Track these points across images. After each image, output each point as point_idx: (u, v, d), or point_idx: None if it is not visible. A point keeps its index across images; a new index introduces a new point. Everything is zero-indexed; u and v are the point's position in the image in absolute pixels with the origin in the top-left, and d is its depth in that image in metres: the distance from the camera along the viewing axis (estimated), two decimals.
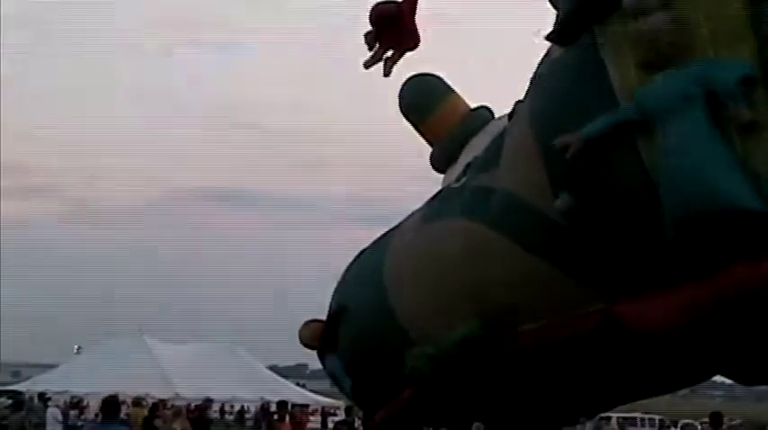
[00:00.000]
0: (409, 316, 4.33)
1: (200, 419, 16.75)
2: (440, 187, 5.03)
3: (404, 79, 5.46)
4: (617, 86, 3.36)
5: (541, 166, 3.60)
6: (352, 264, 5.16)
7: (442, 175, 5.24)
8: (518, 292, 3.82)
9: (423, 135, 5.49)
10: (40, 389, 27.32)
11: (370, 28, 5.15)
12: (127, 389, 24.50)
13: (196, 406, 21.01)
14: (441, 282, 4.14)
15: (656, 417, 30.33)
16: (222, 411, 30.06)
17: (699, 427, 28.72)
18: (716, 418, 9.84)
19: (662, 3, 3.24)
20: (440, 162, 5.28)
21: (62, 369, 36.18)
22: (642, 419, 29.30)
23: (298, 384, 42.01)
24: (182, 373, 31.61)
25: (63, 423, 20.37)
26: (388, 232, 4.98)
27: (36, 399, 21.68)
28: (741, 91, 3.06)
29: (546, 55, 4.02)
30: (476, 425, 4.80)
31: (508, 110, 4.61)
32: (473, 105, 5.41)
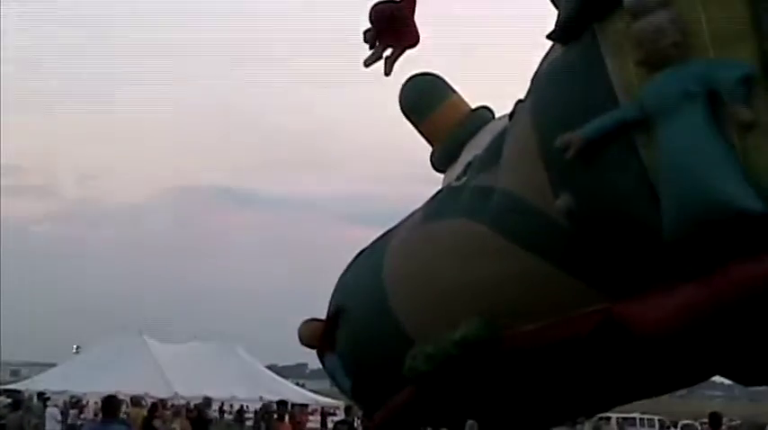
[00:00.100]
0: (408, 315, 4.33)
1: (200, 419, 16.72)
2: (440, 187, 5.02)
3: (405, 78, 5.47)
4: (617, 85, 3.36)
5: (542, 166, 3.60)
6: (351, 264, 5.16)
7: (442, 175, 5.25)
8: (518, 292, 3.82)
9: (423, 134, 5.48)
10: (40, 388, 27.27)
11: (369, 27, 5.17)
12: (126, 388, 24.46)
13: (195, 405, 20.99)
14: (440, 282, 4.14)
15: (656, 418, 30.27)
16: (221, 411, 30.01)
17: (698, 428, 28.71)
18: (715, 419, 9.82)
19: (663, 2, 3.23)
20: (440, 162, 5.28)
21: (61, 368, 36.10)
22: (641, 419, 29.24)
23: (297, 384, 41.95)
24: (181, 373, 31.55)
25: (62, 422, 20.36)
26: (387, 232, 4.98)
27: (35, 399, 21.64)
28: (742, 90, 3.04)
29: (547, 54, 4.01)
30: (469, 423, 4.79)
31: (508, 109, 4.60)
32: (474, 105, 5.41)
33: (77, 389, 29.66)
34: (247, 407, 30.87)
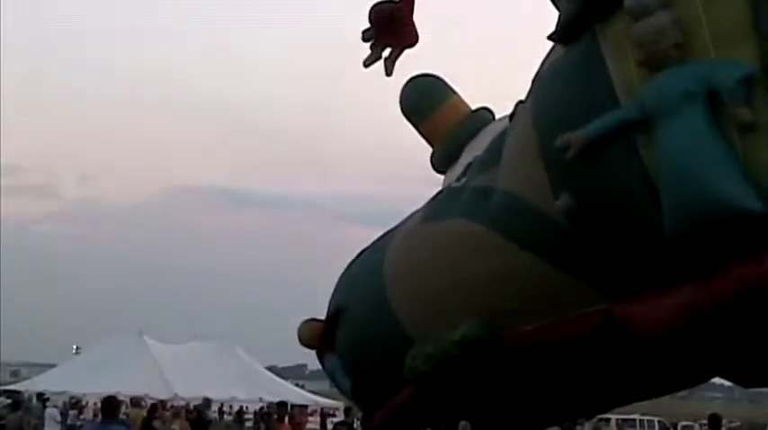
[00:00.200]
0: (408, 315, 4.33)
1: (199, 420, 16.72)
2: (440, 188, 5.03)
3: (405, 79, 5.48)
4: (618, 85, 3.36)
5: (542, 166, 3.60)
6: (351, 264, 5.16)
7: (443, 176, 5.25)
8: (517, 291, 3.82)
9: (423, 135, 5.49)
10: (39, 388, 27.28)
11: (368, 27, 5.18)
12: (126, 389, 24.47)
13: (195, 406, 20.99)
14: (440, 282, 4.14)
15: (655, 419, 30.27)
16: (221, 412, 30.01)
17: (698, 429, 28.70)
18: (715, 420, 9.82)
19: (663, 3, 3.23)
20: (440, 163, 5.29)
21: (61, 369, 36.09)
22: (641, 421, 29.22)
23: (297, 385, 41.95)
24: (181, 374, 31.55)
25: (61, 423, 20.36)
26: (388, 232, 4.98)
27: (35, 399, 21.65)
28: (742, 91, 3.05)
29: (548, 55, 4.02)
30: (462, 423, 4.79)
31: (509, 111, 4.61)
32: (474, 106, 5.42)
33: (77, 389, 29.66)
34: (247, 408, 30.86)
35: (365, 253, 5.09)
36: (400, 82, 5.47)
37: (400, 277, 4.47)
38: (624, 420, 27.48)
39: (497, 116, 5.19)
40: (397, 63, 5.18)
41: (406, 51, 5.18)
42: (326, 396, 36.57)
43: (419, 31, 5.19)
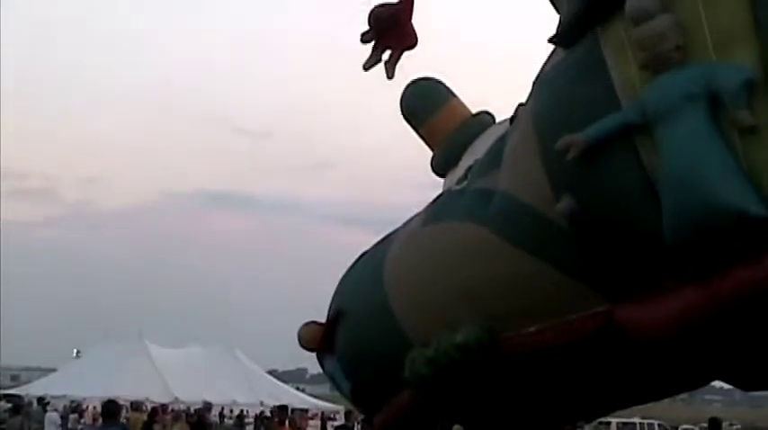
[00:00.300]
0: (409, 318, 4.32)
1: (200, 424, 16.71)
2: (440, 192, 5.02)
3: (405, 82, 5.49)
4: (619, 88, 3.37)
5: (543, 168, 3.60)
6: (352, 266, 5.15)
7: (443, 179, 5.26)
8: (518, 294, 3.81)
9: (423, 139, 5.50)
10: (40, 393, 27.28)
11: (368, 29, 5.21)
12: (126, 393, 24.45)
13: (195, 410, 20.97)
14: (440, 285, 4.13)
15: (656, 422, 30.23)
16: (221, 415, 30.00)
17: None
18: (715, 423, 9.83)
19: (664, 7, 3.24)
20: (441, 166, 5.30)
21: (61, 373, 36.08)
22: (641, 424, 29.18)
23: (297, 388, 41.89)
24: (181, 377, 31.53)
25: (62, 427, 20.35)
26: (388, 235, 4.98)
27: (35, 403, 21.66)
28: (743, 94, 3.05)
29: (549, 57, 4.02)
30: (455, 428, 4.79)
31: (509, 114, 4.61)
32: (474, 110, 5.42)
33: (77, 393, 29.64)
34: (247, 411, 30.82)
35: (366, 256, 5.09)
36: (398, 83, 5.49)
37: (401, 280, 4.46)
38: (624, 424, 27.45)
39: (498, 119, 5.20)
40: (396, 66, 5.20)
41: (406, 54, 5.21)
42: (327, 400, 36.55)
43: (419, 33, 5.22)
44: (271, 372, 42.40)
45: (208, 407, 21.58)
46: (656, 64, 3.25)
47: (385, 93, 5.56)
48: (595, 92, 3.44)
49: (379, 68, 5.35)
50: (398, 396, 4.37)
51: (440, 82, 5.52)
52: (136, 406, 18.76)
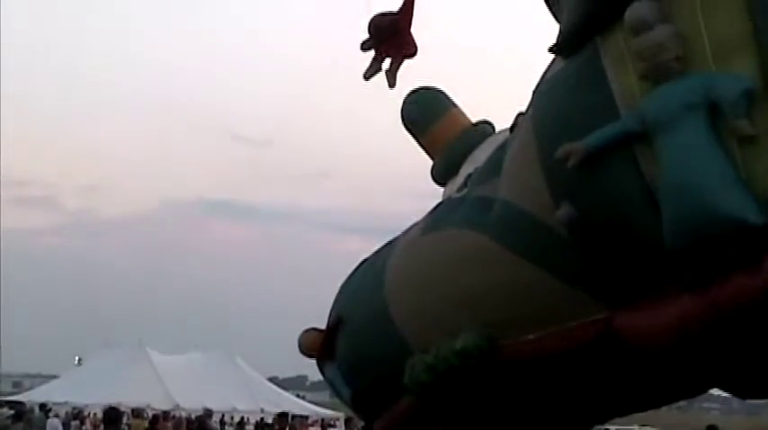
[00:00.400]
0: (409, 325, 4.33)
1: None
2: (440, 200, 5.05)
3: (405, 91, 5.52)
4: (619, 97, 3.38)
5: (542, 176, 3.62)
6: (352, 274, 5.17)
7: (443, 188, 5.28)
8: (517, 302, 3.82)
9: (424, 148, 5.54)
10: (42, 399, 27.27)
11: (367, 38, 5.26)
12: (127, 399, 24.46)
13: (196, 417, 20.98)
14: (440, 292, 4.14)
15: None
16: (222, 422, 29.99)
17: None
18: None
19: (663, 17, 3.26)
20: (441, 175, 5.33)
21: (63, 380, 36.09)
22: None
23: (297, 396, 41.85)
24: (182, 384, 31.54)
25: None
26: (389, 242, 5.00)
27: (37, 410, 21.65)
28: (743, 103, 3.07)
29: (549, 67, 4.05)
30: None
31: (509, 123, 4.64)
32: (475, 120, 5.46)
33: (79, 400, 29.67)
34: (248, 418, 30.81)
35: (366, 263, 5.11)
36: (395, 90, 5.52)
37: (401, 287, 4.47)
38: None
39: (498, 129, 5.23)
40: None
41: (406, 63, 5.25)
42: (327, 407, 36.51)
43: (419, 42, 5.27)
44: (271, 379, 42.38)
45: (209, 414, 21.56)
46: (655, 74, 3.27)
47: (384, 102, 5.61)
48: (595, 101, 3.46)
49: (379, 77, 5.39)
50: (398, 402, 4.39)
51: (440, 91, 5.55)
52: (137, 412, 18.78)
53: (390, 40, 5.21)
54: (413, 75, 5.47)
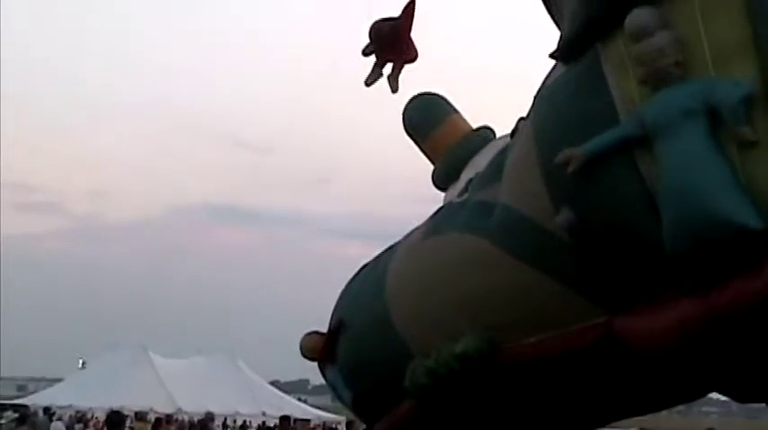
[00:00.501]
0: (409, 329, 4.34)
1: None
2: (441, 205, 5.06)
3: (407, 97, 5.55)
4: (619, 102, 3.40)
5: (543, 181, 3.64)
6: (354, 278, 5.19)
7: (444, 194, 5.30)
8: (517, 306, 3.84)
9: (425, 153, 5.56)
10: (46, 403, 27.32)
11: (368, 43, 5.29)
12: (131, 403, 24.49)
13: (199, 420, 20.99)
14: (441, 296, 4.16)
15: None
16: (224, 426, 30.00)
17: None
18: None
19: (663, 23, 3.28)
20: (441, 180, 5.35)
21: (67, 383, 36.11)
22: None
23: (299, 399, 41.80)
24: (184, 388, 31.54)
25: None
26: (390, 247, 5.01)
27: (41, 413, 21.69)
28: (743, 109, 3.08)
29: (550, 72, 4.07)
30: None
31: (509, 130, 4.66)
32: (475, 125, 5.48)
33: (82, 403, 29.69)
34: (250, 422, 30.81)
35: (367, 267, 5.13)
36: (394, 96, 5.55)
37: (401, 291, 4.49)
38: None
39: (498, 135, 5.25)
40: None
41: (407, 68, 5.28)
42: (329, 410, 36.48)
43: (420, 47, 5.31)
44: (273, 383, 42.34)
45: (210, 417, 21.58)
46: (655, 79, 3.28)
47: (385, 107, 5.64)
48: (595, 106, 3.47)
49: (380, 83, 5.43)
50: (399, 406, 4.40)
51: (441, 97, 5.58)
52: (140, 416, 18.79)
53: (391, 45, 5.25)
54: (414, 80, 5.50)
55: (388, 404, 4.46)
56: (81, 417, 27.49)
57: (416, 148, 5.64)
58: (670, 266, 3.23)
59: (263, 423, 30.01)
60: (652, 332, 3.34)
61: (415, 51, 5.37)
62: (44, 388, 41.31)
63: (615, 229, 3.39)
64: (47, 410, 22.97)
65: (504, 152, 4.32)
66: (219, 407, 29.13)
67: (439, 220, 4.63)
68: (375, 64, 5.39)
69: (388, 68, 5.44)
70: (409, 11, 5.31)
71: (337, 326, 4.94)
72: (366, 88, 5.37)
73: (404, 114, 5.59)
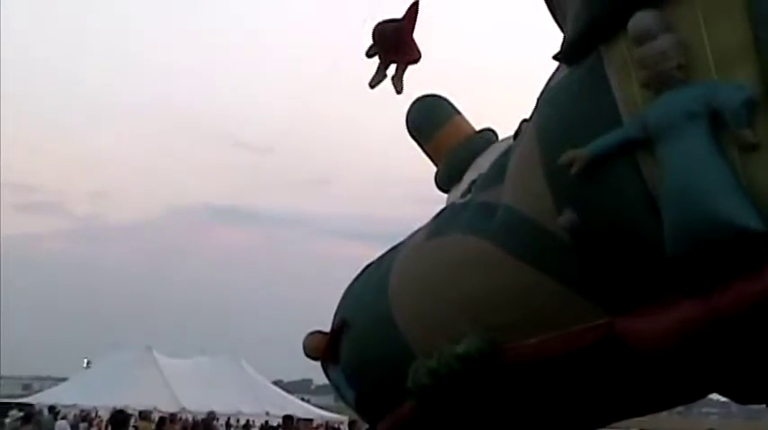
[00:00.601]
0: (412, 329, 4.36)
1: None
2: (444, 206, 5.08)
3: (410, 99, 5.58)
4: (622, 105, 3.42)
5: (545, 182, 3.65)
6: (357, 278, 5.21)
7: (446, 195, 5.32)
8: (518, 306, 3.85)
9: (428, 155, 5.58)
10: (51, 401, 27.36)
11: (372, 45, 5.32)
12: (135, 402, 24.54)
13: (202, 419, 21.05)
14: (443, 296, 4.18)
15: None
16: (228, 425, 30.04)
17: None
18: None
19: (666, 27, 3.30)
20: (444, 181, 5.37)
21: (72, 382, 36.17)
22: None
23: (302, 399, 41.80)
24: (188, 387, 31.59)
25: None
26: (393, 247, 5.03)
27: (46, 412, 21.73)
28: (745, 112, 3.10)
29: (553, 74, 4.09)
30: None
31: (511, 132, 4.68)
32: (478, 127, 5.50)
33: (87, 402, 29.73)
34: (253, 421, 30.85)
35: (371, 267, 5.15)
36: (396, 98, 5.57)
37: (404, 291, 4.50)
38: None
39: (501, 137, 5.27)
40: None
41: (410, 68, 5.30)
42: (332, 410, 36.50)
43: (423, 49, 5.33)
44: (276, 383, 42.35)
45: (213, 416, 21.63)
46: (657, 82, 3.30)
47: (385, 108, 5.67)
48: (598, 108, 3.49)
49: (381, 84, 5.44)
50: (401, 406, 4.42)
51: (445, 99, 5.61)
52: (144, 415, 18.84)
53: (394, 47, 5.27)
54: (417, 81, 5.52)
55: (391, 404, 4.48)
56: (85, 416, 27.54)
57: (419, 150, 5.66)
58: (671, 268, 3.24)
59: (266, 422, 30.03)
60: (653, 333, 3.35)
61: (419, 52, 5.40)
62: (49, 387, 41.38)
63: (617, 230, 3.40)
64: (52, 409, 22.99)
65: (506, 154, 4.34)
66: (223, 406, 29.17)
67: (442, 222, 4.65)
68: (379, 65, 5.42)
69: (391, 70, 5.46)
70: (412, 12, 5.34)
71: (340, 325, 4.96)
72: (365, 88, 5.40)
73: (407, 116, 5.61)
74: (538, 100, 4.03)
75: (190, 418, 25.67)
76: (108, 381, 30.53)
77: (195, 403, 29.08)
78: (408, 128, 5.61)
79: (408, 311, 4.42)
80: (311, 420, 28.67)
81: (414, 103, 5.57)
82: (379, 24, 5.29)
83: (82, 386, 32.56)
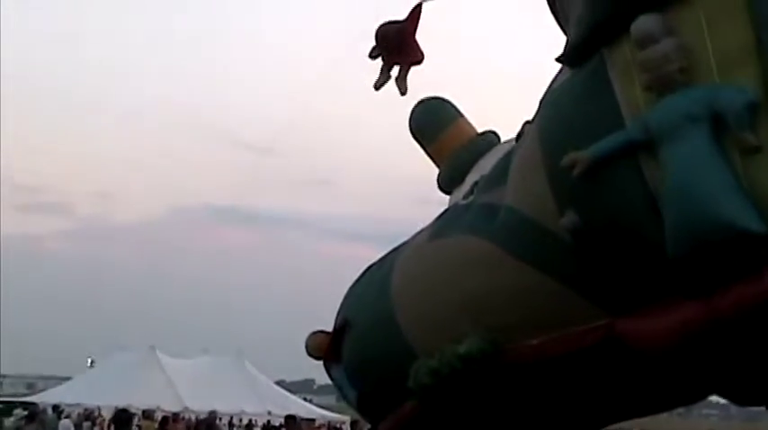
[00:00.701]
0: (413, 329, 4.38)
1: None
2: (446, 208, 5.10)
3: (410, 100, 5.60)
4: (624, 107, 3.43)
5: (547, 184, 3.67)
6: (359, 278, 5.23)
7: (448, 197, 5.34)
8: (519, 306, 3.87)
9: (431, 157, 5.60)
10: (54, 400, 27.41)
11: (375, 46, 5.34)
12: (138, 401, 24.58)
13: (204, 419, 21.08)
14: (445, 297, 4.19)
15: None
16: (231, 424, 30.08)
17: None
18: None
19: (668, 30, 3.31)
20: (446, 183, 5.39)
21: (76, 382, 36.23)
22: None
23: (305, 399, 41.80)
24: (191, 387, 31.63)
25: None
26: (396, 248, 5.05)
27: (50, 411, 21.79)
28: (747, 115, 3.11)
29: (556, 76, 4.10)
30: None
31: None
32: (481, 129, 5.52)
33: (91, 402, 29.77)
34: (255, 421, 30.88)
35: (373, 267, 5.17)
36: (395, 99, 5.59)
37: (406, 292, 4.52)
38: None
39: (504, 139, 5.28)
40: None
41: (413, 70, 5.32)
42: (334, 410, 36.52)
43: (427, 51, 5.35)
44: (278, 383, 42.33)
45: (215, 416, 21.64)
46: (660, 85, 3.31)
47: (386, 108, 5.70)
48: (600, 111, 3.50)
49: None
50: (403, 405, 4.43)
51: (448, 101, 5.62)
52: (147, 414, 18.87)
53: (398, 48, 5.29)
54: (419, 83, 5.54)
55: (393, 403, 4.50)
56: (89, 415, 27.57)
57: (420, 150, 5.68)
58: (672, 269, 3.26)
59: (269, 422, 30.07)
60: (654, 334, 3.37)
61: (422, 53, 5.42)
62: (53, 386, 41.40)
63: (619, 232, 3.42)
64: (55, 408, 23.08)
65: (509, 156, 4.35)
66: (225, 406, 29.20)
67: (444, 223, 4.67)
68: (382, 67, 5.44)
69: (395, 71, 5.48)
70: (415, 14, 5.36)
71: (342, 325, 4.98)
72: (366, 88, 5.42)
73: (410, 118, 5.63)
74: (540, 102, 4.05)
75: (193, 418, 25.74)
76: (111, 381, 30.57)
77: (198, 403, 29.11)
78: (411, 129, 5.63)
79: (410, 311, 4.44)
80: (314, 420, 28.70)
81: (417, 105, 5.59)
82: (382, 26, 5.31)
83: (85, 385, 32.60)
